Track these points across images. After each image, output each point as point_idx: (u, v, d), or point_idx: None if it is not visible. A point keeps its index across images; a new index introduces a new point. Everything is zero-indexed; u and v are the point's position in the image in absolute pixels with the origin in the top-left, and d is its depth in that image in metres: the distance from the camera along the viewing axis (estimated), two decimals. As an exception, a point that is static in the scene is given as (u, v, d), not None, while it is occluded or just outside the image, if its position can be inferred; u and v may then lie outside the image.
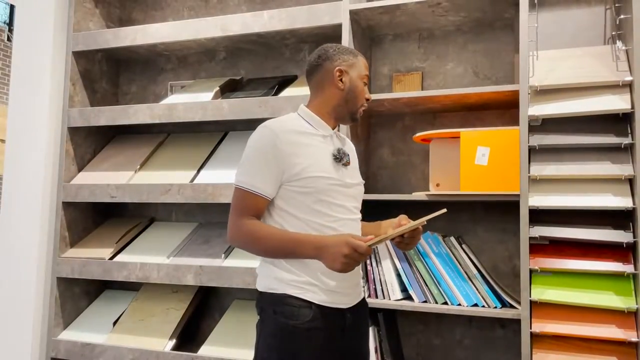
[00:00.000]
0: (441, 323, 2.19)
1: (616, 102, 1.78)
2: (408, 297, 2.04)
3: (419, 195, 2.00)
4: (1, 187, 4.81)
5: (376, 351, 2.00)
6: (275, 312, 1.48)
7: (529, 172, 1.83)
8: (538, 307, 1.78)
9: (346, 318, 1.54)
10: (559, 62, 1.94)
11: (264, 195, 1.50)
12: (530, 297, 1.77)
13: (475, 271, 1.94)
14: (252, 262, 2.23)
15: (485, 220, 2.17)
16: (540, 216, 1.86)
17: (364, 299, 1.65)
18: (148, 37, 2.49)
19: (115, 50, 2.68)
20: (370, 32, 2.36)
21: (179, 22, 2.44)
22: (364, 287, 2.04)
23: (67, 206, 2.57)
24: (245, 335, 2.26)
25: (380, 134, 2.37)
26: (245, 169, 1.51)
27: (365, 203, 2.14)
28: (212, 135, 2.63)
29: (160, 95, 2.80)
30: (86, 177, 2.59)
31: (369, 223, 1.73)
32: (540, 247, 1.84)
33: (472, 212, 2.19)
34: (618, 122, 1.84)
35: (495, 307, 1.88)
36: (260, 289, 1.55)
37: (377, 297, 2.02)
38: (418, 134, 2.06)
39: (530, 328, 1.76)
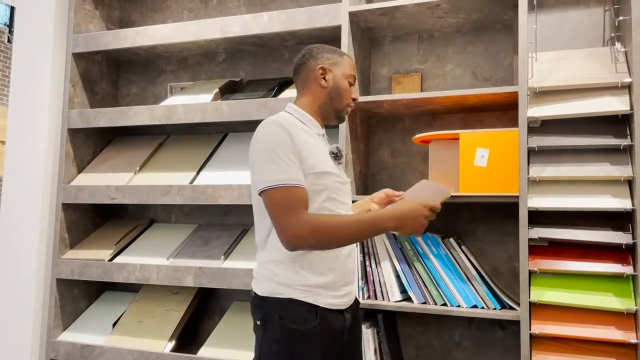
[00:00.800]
0: (440, 324, 2.19)
1: (615, 104, 1.78)
2: (407, 299, 2.04)
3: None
4: (1, 189, 4.82)
5: (375, 353, 2.00)
6: (281, 317, 1.45)
7: (528, 174, 1.83)
8: (537, 309, 1.78)
9: (346, 319, 1.55)
10: (558, 63, 1.94)
11: (301, 184, 1.44)
12: (529, 298, 1.77)
13: (474, 272, 1.94)
14: (252, 263, 2.23)
15: (484, 221, 2.17)
16: (539, 218, 1.86)
17: (356, 298, 1.66)
18: (148, 39, 2.50)
19: (115, 52, 2.68)
20: (369, 33, 2.36)
21: (179, 24, 2.44)
22: (363, 288, 2.04)
23: (67, 207, 2.57)
24: (245, 336, 2.26)
25: (379, 136, 2.37)
26: (274, 166, 1.42)
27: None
28: (211, 136, 2.63)
29: (160, 97, 2.81)
30: (86, 179, 2.60)
31: (356, 203, 1.79)
32: (540, 248, 1.84)
33: (471, 213, 2.19)
34: (617, 123, 1.84)
35: (495, 309, 1.88)
36: (261, 294, 1.51)
37: (376, 298, 2.02)
38: (417, 136, 2.06)
39: (530, 329, 1.76)
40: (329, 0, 2.46)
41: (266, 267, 1.52)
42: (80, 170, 2.66)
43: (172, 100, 2.54)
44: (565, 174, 1.81)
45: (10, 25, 7.15)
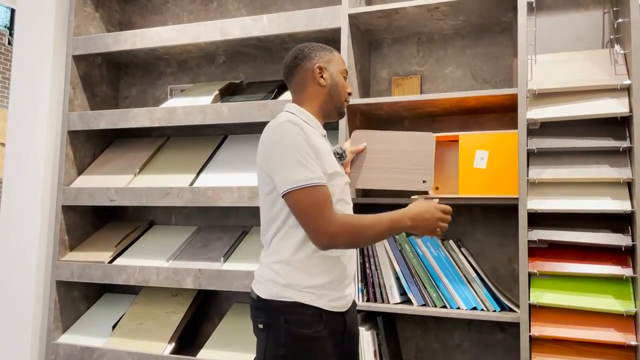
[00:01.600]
0: (440, 327, 2.19)
1: (614, 106, 1.79)
2: (407, 301, 2.03)
3: (418, 199, 2.00)
4: (1, 191, 4.82)
5: (375, 355, 1.99)
6: (287, 321, 1.44)
7: (527, 176, 1.83)
8: (537, 311, 1.78)
9: (346, 321, 1.55)
10: (558, 65, 1.94)
11: (325, 183, 1.44)
12: (529, 300, 1.77)
13: (474, 275, 1.94)
14: (252, 265, 2.23)
15: (484, 223, 2.17)
16: (539, 219, 1.86)
17: (354, 301, 1.66)
18: (148, 41, 2.50)
19: (115, 54, 2.69)
20: (369, 36, 2.37)
21: (179, 26, 2.45)
22: (362, 290, 2.04)
23: (67, 210, 2.57)
24: (244, 339, 2.26)
25: (379, 138, 2.37)
26: (299, 165, 1.41)
27: (364, 206, 2.15)
28: (211, 138, 2.64)
29: (160, 99, 2.81)
30: (86, 181, 2.60)
31: None
32: (539, 250, 1.84)
33: (471, 215, 2.19)
34: (616, 125, 1.84)
35: (494, 311, 1.88)
36: (264, 297, 1.48)
37: (376, 300, 2.02)
38: (417, 138, 2.06)
39: (529, 331, 1.76)
40: (328, 3, 2.47)
41: (270, 268, 1.50)
42: (80, 172, 2.66)
43: (172, 103, 2.54)
44: (565, 175, 1.81)
45: (11, 27, 7.16)
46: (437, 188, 2.04)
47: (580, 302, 1.73)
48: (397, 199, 2.04)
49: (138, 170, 2.57)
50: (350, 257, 1.58)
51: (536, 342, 1.77)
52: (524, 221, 1.81)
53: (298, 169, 1.41)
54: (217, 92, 2.48)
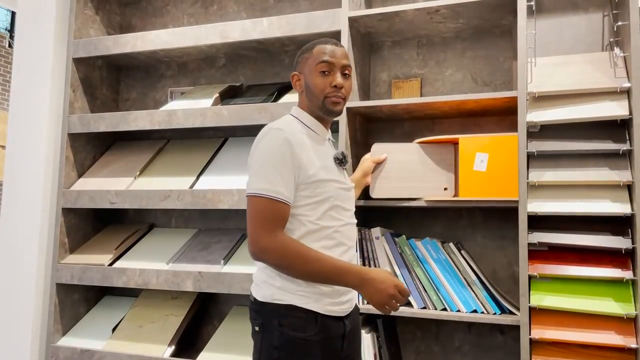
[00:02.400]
0: (440, 329, 2.19)
1: (614, 109, 1.79)
2: (407, 304, 2.03)
3: (418, 201, 2.00)
4: (1, 193, 4.82)
5: (375, 357, 1.99)
6: (280, 324, 1.44)
7: (527, 178, 1.83)
8: (537, 314, 1.78)
9: (345, 325, 1.53)
10: (557, 68, 1.94)
11: (288, 201, 1.43)
12: (529, 303, 1.77)
13: (474, 277, 1.94)
14: (252, 268, 2.23)
15: (484, 226, 2.17)
16: (539, 222, 1.86)
17: (356, 305, 1.65)
18: (148, 44, 2.50)
19: (115, 57, 2.69)
20: (369, 38, 2.37)
21: (179, 29, 2.45)
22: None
23: (67, 212, 2.57)
24: (244, 341, 2.25)
25: (379, 140, 2.37)
26: (264, 175, 1.42)
27: (364, 209, 2.15)
28: (211, 141, 2.64)
29: (160, 102, 2.81)
30: (86, 183, 2.60)
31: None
32: (539, 253, 1.84)
33: (471, 218, 2.19)
34: (616, 128, 1.84)
35: (495, 314, 1.88)
36: (260, 299, 1.49)
37: (376, 303, 2.02)
38: (417, 140, 2.07)
39: (530, 334, 1.76)
40: (328, 6, 2.48)
41: (266, 272, 1.50)
42: (80, 175, 2.66)
43: (172, 105, 2.54)
44: (565, 178, 1.81)
45: (11, 30, 7.17)
46: (446, 189, 2.03)
47: (581, 305, 1.73)
48: (398, 201, 2.04)
49: (138, 172, 2.57)
50: (349, 261, 1.55)
51: (536, 344, 1.77)
52: (524, 224, 1.81)
53: (260, 178, 1.43)
54: (217, 94, 2.48)
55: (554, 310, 1.76)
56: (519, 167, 1.83)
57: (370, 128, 2.39)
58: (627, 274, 1.72)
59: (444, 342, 2.18)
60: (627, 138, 1.80)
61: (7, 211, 2.60)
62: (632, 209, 1.73)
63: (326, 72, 1.52)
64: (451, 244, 2.00)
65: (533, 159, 1.88)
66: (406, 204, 2.03)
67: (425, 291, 1.97)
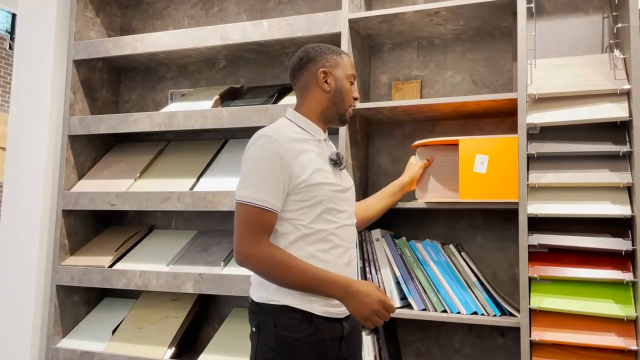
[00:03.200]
0: (440, 331, 2.19)
1: (614, 110, 1.79)
2: (407, 305, 2.03)
3: (418, 203, 2.01)
4: (2, 195, 4.82)
5: (375, 359, 1.99)
6: (275, 324, 1.44)
7: (527, 180, 1.83)
8: (537, 315, 1.78)
9: (344, 328, 1.53)
10: (557, 70, 1.94)
11: (275, 210, 1.44)
12: (529, 305, 1.77)
13: (474, 279, 1.94)
14: (252, 270, 2.23)
15: (484, 228, 2.17)
16: (539, 224, 1.86)
17: None
18: (149, 46, 2.51)
19: (115, 59, 2.69)
20: (369, 40, 2.37)
21: (180, 31, 2.45)
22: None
23: (67, 214, 2.57)
24: (244, 343, 2.24)
25: (379, 142, 2.37)
26: (252, 182, 1.44)
27: (364, 211, 2.14)
28: (211, 143, 2.64)
29: (160, 104, 2.82)
30: (86, 185, 2.60)
31: (373, 197, 1.90)
32: (540, 255, 1.84)
33: (471, 220, 2.19)
34: (616, 130, 1.84)
35: (495, 315, 1.88)
36: (257, 300, 1.50)
37: (376, 305, 2.02)
38: (417, 142, 2.07)
39: (530, 336, 1.76)
40: (329, 8, 2.48)
41: None
42: (80, 176, 2.66)
43: (173, 107, 2.54)
44: (565, 180, 1.81)
45: (12, 32, 7.18)
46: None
47: (581, 307, 1.73)
48: (398, 203, 2.04)
49: (138, 174, 2.57)
50: (346, 266, 1.54)
51: (537, 346, 1.77)
52: (524, 226, 1.81)
53: (247, 185, 1.45)
54: (217, 96, 2.48)
55: (554, 312, 1.76)
56: (519, 168, 1.83)
57: (370, 130, 2.39)
58: (627, 276, 1.72)
59: (444, 343, 2.18)
60: (627, 140, 1.80)
61: (7, 213, 2.60)
62: (632, 210, 1.73)
63: (352, 83, 1.59)
64: (451, 246, 2.00)
65: (533, 160, 1.88)
66: (406, 205, 2.03)
67: (426, 293, 1.97)
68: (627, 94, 1.81)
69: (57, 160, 2.60)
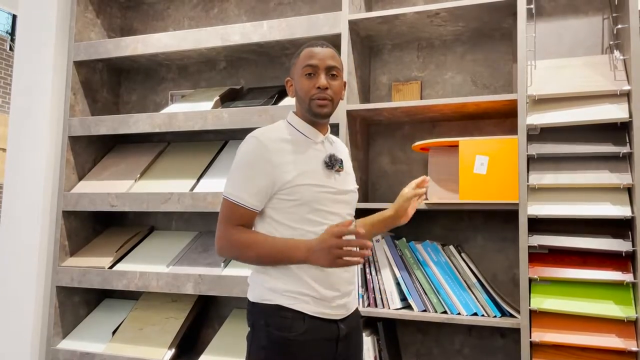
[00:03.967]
0: (441, 332, 2.19)
1: (614, 111, 1.79)
2: (407, 307, 2.03)
3: (418, 204, 2.00)
4: (2, 196, 4.82)
5: (375, 360, 1.99)
6: (267, 324, 1.46)
7: (527, 181, 1.83)
8: (537, 316, 1.78)
9: (340, 329, 1.52)
10: (557, 71, 1.94)
11: (250, 207, 1.48)
12: (529, 306, 1.77)
13: (474, 280, 1.94)
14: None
15: (484, 229, 2.17)
16: (539, 225, 1.86)
17: (357, 309, 1.63)
18: (149, 47, 2.51)
19: (116, 60, 2.69)
20: (369, 41, 2.38)
21: (180, 32, 2.46)
22: (363, 296, 2.04)
23: (67, 215, 2.57)
24: (244, 344, 2.25)
25: (379, 143, 2.38)
26: (233, 180, 1.51)
27: (364, 211, 2.15)
28: (212, 144, 2.64)
29: (160, 105, 2.82)
30: (86, 186, 2.60)
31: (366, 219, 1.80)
32: (540, 256, 1.84)
33: (471, 221, 2.19)
34: (616, 131, 1.84)
35: (495, 316, 1.88)
36: (252, 300, 1.52)
37: (376, 306, 2.02)
38: (417, 143, 2.07)
39: (530, 337, 1.76)
40: (329, 9, 2.49)
41: (257, 273, 1.53)
42: (80, 177, 2.66)
43: (173, 108, 2.54)
44: (565, 181, 1.81)
45: (12, 33, 7.19)
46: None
47: (581, 308, 1.73)
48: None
49: (139, 175, 2.57)
50: (340, 268, 1.52)
51: (537, 347, 1.77)
52: (524, 227, 1.81)
53: (229, 182, 1.52)
54: (217, 97, 2.48)
55: (555, 313, 1.76)
56: (519, 169, 1.83)
57: (371, 131, 2.40)
58: (627, 277, 1.72)
59: (445, 345, 2.18)
60: (627, 141, 1.80)
61: (7, 214, 2.60)
62: (633, 211, 1.73)
63: (311, 75, 1.53)
64: (451, 247, 2.00)
65: (533, 161, 1.88)
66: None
67: (426, 294, 1.97)
68: (627, 95, 1.81)
69: (57, 161, 2.60)
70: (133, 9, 2.95)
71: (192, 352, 2.47)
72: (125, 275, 2.37)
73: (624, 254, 1.74)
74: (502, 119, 2.17)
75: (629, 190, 1.78)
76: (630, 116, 1.76)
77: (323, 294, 1.48)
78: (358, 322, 1.63)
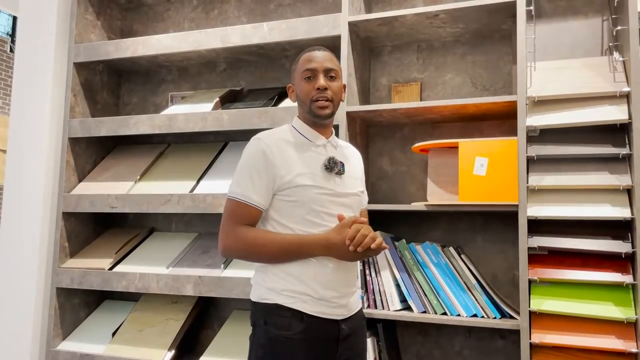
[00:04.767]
0: (440, 334, 2.18)
1: (614, 113, 1.79)
2: (407, 308, 2.03)
3: (418, 206, 2.00)
4: (2, 197, 4.82)
5: (375, 362, 1.99)
6: (266, 322, 1.49)
7: (527, 183, 1.83)
8: (537, 318, 1.78)
9: (341, 329, 1.53)
10: (557, 73, 1.95)
11: (256, 205, 1.51)
12: (529, 307, 1.77)
13: (474, 281, 1.94)
14: (252, 272, 2.23)
15: (484, 230, 2.17)
16: (539, 226, 1.86)
17: (361, 310, 1.64)
18: (149, 49, 2.51)
19: (116, 62, 2.70)
20: (369, 43, 2.38)
21: (180, 34, 2.46)
22: (363, 297, 2.04)
23: (67, 216, 2.57)
24: (244, 346, 2.24)
25: (379, 144, 2.38)
26: (238, 180, 1.54)
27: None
28: (212, 145, 2.64)
29: (160, 106, 2.82)
30: (86, 188, 2.60)
31: None
32: (539, 257, 1.84)
33: (471, 222, 2.19)
34: (616, 132, 1.84)
35: (495, 318, 1.88)
36: (253, 299, 1.56)
37: (376, 307, 2.02)
38: (417, 144, 2.07)
39: (530, 339, 1.75)
40: (329, 10, 2.49)
41: (258, 273, 1.57)
42: (80, 179, 2.66)
43: (173, 110, 2.55)
44: (565, 182, 1.82)
45: (13, 34, 7.19)
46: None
47: (581, 309, 1.73)
48: (397, 205, 2.04)
49: (139, 177, 2.58)
50: (337, 269, 1.53)
51: (536, 349, 1.77)
52: (524, 228, 1.81)
53: (234, 182, 1.55)
54: (217, 99, 2.48)
55: (554, 314, 1.76)
56: (519, 171, 1.84)
57: (370, 132, 2.40)
58: (627, 278, 1.72)
59: (444, 346, 2.18)
60: (627, 142, 1.80)
61: (7, 215, 2.61)
62: (632, 213, 1.73)
63: (310, 78, 1.58)
64: (451, 248, 2.00)
65: (533, 163, 1.88)
66: (405, 208, 2.03)
67: (426, 295, 1.97)
68: (626, 96, 1.81)
69: (57, 162, 2.60)
70: (133, 10, 2.95)
71: (192, 354, 2.47)
72: (125, 276, 2.37)
73: (623, 256, 1.74)
74: (502, 120, 2.17)
75: (629, 191, 1.78)
76: (630, 117, 1.76)
77: (322, 294, 1.50)
78: (361, 323, 1.63)
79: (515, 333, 2.00)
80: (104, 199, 2.46)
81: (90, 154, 2.72)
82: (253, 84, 2.64)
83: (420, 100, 2.32)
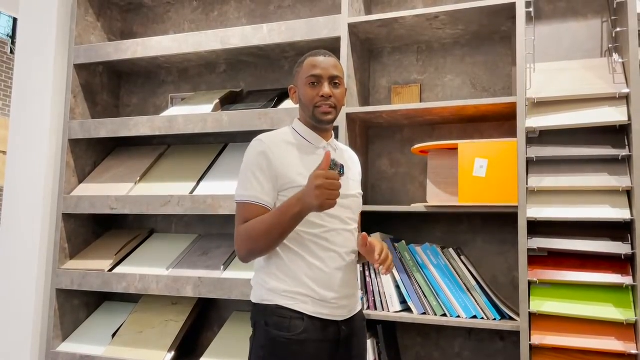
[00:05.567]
0: (440, 335, 2.18)
1: (613, 114, 1.79)
2: (407, 309, 2.03)
3: (417, 207, 2.01)
4: (2, 199, 4.82)
5: (375, 363, 1.99)
6: (267, 323, 1.49)
7: (527, 184, 1.83)
8: (537, 319, 1.78)
9: (341, 330, 1.53)
10: (556, 74, 1.95)
11: (263, 204, 1.51)
12: (529, 309, 1.77)
13: (474, 283, 1.94)
14: (251, 273, 2.22)
15: (484, 231, 2.17)
16: (538, 228, 1.86)
17: (361, 311, 1.64)
18: (149, 50, 2.52)
19: (116, 63, 2.70)
20: (369, 45, 2.38)
21: (180, 35, 2.46)
22: (362, 298, 2.04)
23: (67, 218, 2.57)
24: (244, 347, 2.24)
25: (379, 146, 2.38)
26: (243, 183, 1.54)
27: (364, 214, 2.15)
28: (212, 147, 2.64)
29: (160, 108, 2.82)
30: (86, 189, 2.60)
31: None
32: (539, 258, 1.84)
33: (470, 223, 2.19)
34: (615, 134, 1.84)
35: (494, 319, 1.88)
36: (253, 301, 1.56)
37: (376, 309, 2.02)
38: (416, 146, 2.07)
39: (530, 340, 1.75)
40: (328, 12, 2.49)
41: (258, 275, 1.57)
42: (80, 180, 2.66)
43: (173, 111, 2.55)
44: (564, 184, 1.82)
45: (13, 36, 7.20)
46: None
47: (581, 311, 1.73)
48: (397, 206, 2.04)
49: (139, 178, 2.58)
50: (337, 270, 1.54)
51: (536, 350, 1.77)
52: (523, 229, 1.81)
53: (241, 185, 1.55)
54: (217, 100, 2.49)
55: (554, 316, 1.76)
56: (519, 172, 1.84)
57: (370, 134, 2.40)
58: (626, 280, 1.72)
59: (444, 347, 2.18)
60: (626, 144, 1.81)
61: (8, 216, 2.61)
62: (632, 214, 1.73)
63: (315, 84, 1.57)
64: (451, 250, 2.00)
65: (532, 164, 1.88)
66: (405, 209, 2.03)
67: (425, 297, 1.97)
68: (626, 97, 1.81)
69: (57, 164, 2.60)
70: (133, 12, 2.95)
71: (192, 355, 2.47)
72: (125, 278, 2.37)
73: (623, 257, 1.74)
74: (502, 121, 2.17)
75: (628, 192, 1.78)
76: (629, 119, 1.76)
77: (322, 295, 1.50)
78: (362, 324, 1.64)
79: (515, 334, 2.00)
80: (104, 201, 2.46)
81: (90, 155, 2.72)
82: (253, 85, 2.64)
83: (420, 101, 2.32)
